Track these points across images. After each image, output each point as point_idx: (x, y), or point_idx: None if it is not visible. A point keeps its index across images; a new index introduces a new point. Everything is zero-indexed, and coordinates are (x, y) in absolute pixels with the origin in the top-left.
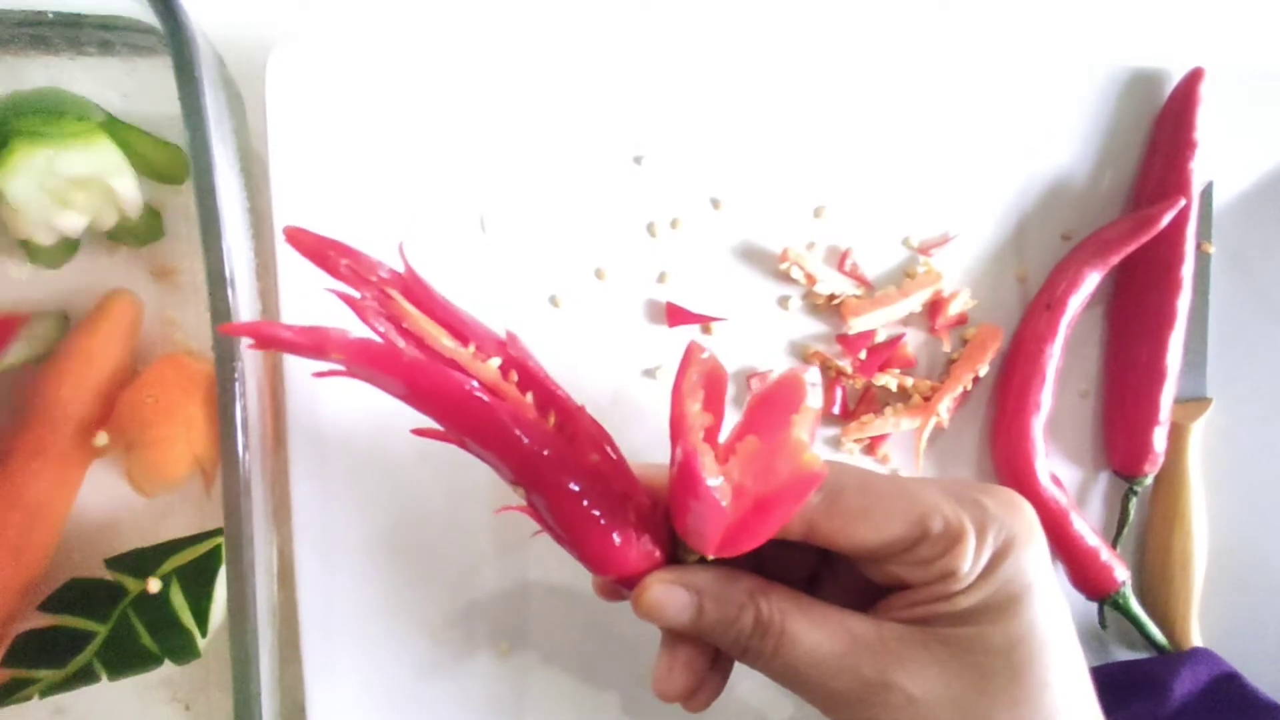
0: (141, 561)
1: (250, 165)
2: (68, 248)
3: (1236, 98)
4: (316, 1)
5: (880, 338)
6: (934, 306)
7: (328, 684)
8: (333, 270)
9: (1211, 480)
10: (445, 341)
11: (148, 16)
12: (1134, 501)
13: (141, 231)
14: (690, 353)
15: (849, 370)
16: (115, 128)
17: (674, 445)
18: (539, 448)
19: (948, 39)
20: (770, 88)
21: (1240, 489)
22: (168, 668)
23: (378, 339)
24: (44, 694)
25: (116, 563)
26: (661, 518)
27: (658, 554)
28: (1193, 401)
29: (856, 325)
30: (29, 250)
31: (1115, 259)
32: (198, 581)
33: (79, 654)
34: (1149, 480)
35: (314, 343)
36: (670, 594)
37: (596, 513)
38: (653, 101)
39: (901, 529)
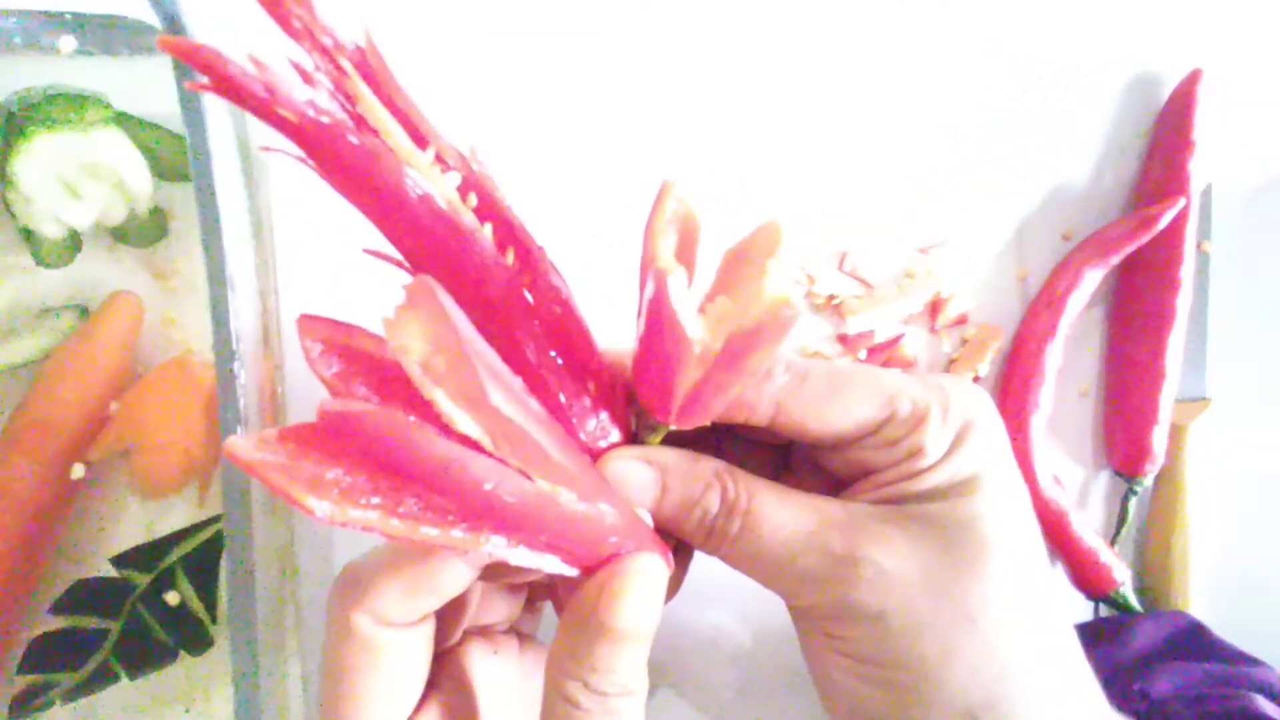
0: (146, 556)
1: (250, 165)
2: (72, 246)
3: (1236, 98)
4: (316, 2)
5: (880, 338)
6: (934, 306)
7: None
8: (283, 19)
9: (1211, 480)
10: (401, 141)
11: (148, 16)
12: (1134, 501)
13: (147, 230)
14: (665, 190)
15: None
16: (127, 121)
17: (642, 287)
18: (497, 286)
19: (948, 39)
20: (770, 88)
21: (1240, 489)
22: (169, 668)
23: (335, 109)
24: (66, 699)
25: (122, 559)
26: (622, 397)
27: (616, 434)
28: (1193, 401)
29: (856, 325)
30: (34, 248)
31: (1115, 259)
32: (203, 569)
33: (95, 654)
34: (1149, 480)
35: (265, 88)
36: (632, 469)
37: (552, 380)
38: (652, 101)
39: (871, 409)
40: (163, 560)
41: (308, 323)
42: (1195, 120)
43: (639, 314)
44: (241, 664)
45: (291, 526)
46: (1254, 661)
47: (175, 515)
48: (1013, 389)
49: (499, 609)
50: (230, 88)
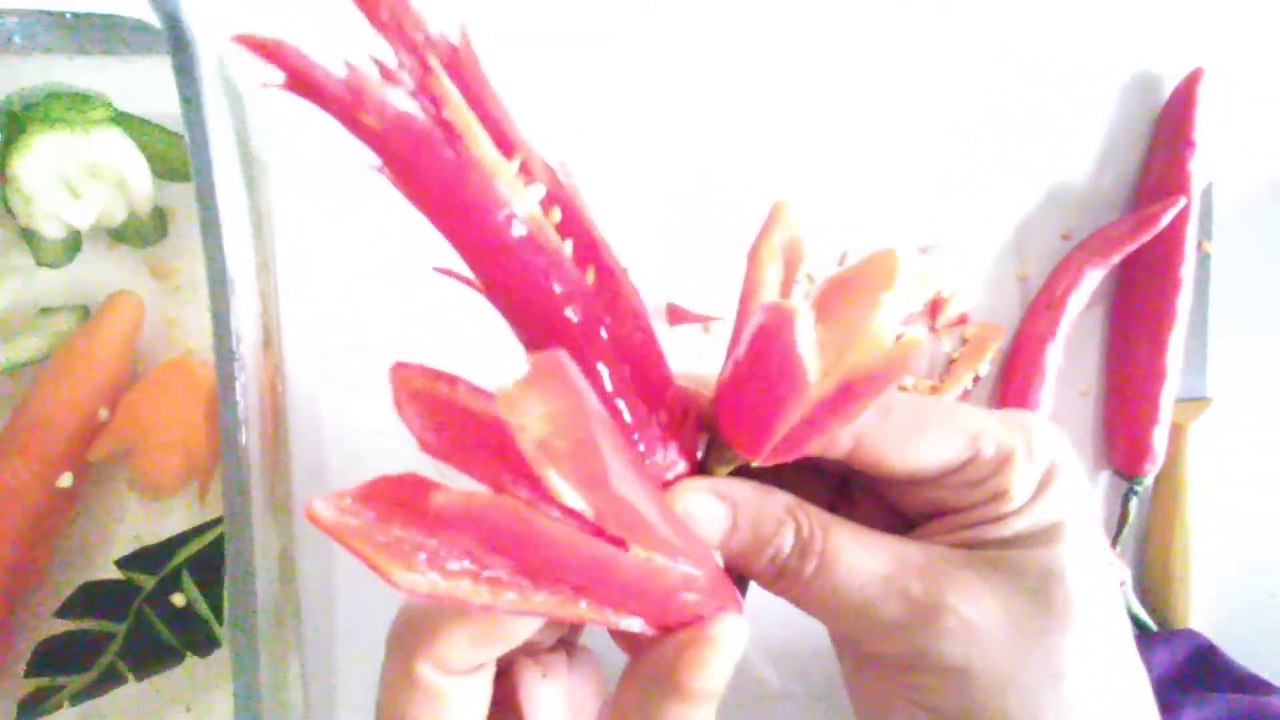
0: (151, 558)
1: (250, 165)
2: (72, 246)
3: (1236, 98)
4: (317, 1)
5: None
6: (934, 306)
7: (328, 685)
8: (371, 10)
9: (1211, 480)
10: (487, 149)
11: (148, 16)
12: (1134, 501)
13: (147, 230)
14: (776, 214)
15: None
16: (127, 121)
17: (742, 317)
18: (575, 308)
19: (948, 39)
20: (771, 88)
21: (1240, 489)
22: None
23: (421, 116)
24: (73, 701)
25: (127, 562)
26: (692, 427)
27: (683, 465)
28: (1193, 401)
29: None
30: (34, 248)
31: (1116, 258)
32: (208, 571)
33: (102, 657)
34: (1149, 480)
35: (351, 91)
36: (704, 504)
37: (624, 408)
38: (653, 101)
39: (955, 449)
40: (168, 562)
41: (402, 370)
42: (1195, 120)
43: (734, 344)
44: (242, 664)
45: (292, 527)
46: (1271, 688)
47: (175, 515)
48: (1013, 389)
49: (548, 630)
50: (309, 87)
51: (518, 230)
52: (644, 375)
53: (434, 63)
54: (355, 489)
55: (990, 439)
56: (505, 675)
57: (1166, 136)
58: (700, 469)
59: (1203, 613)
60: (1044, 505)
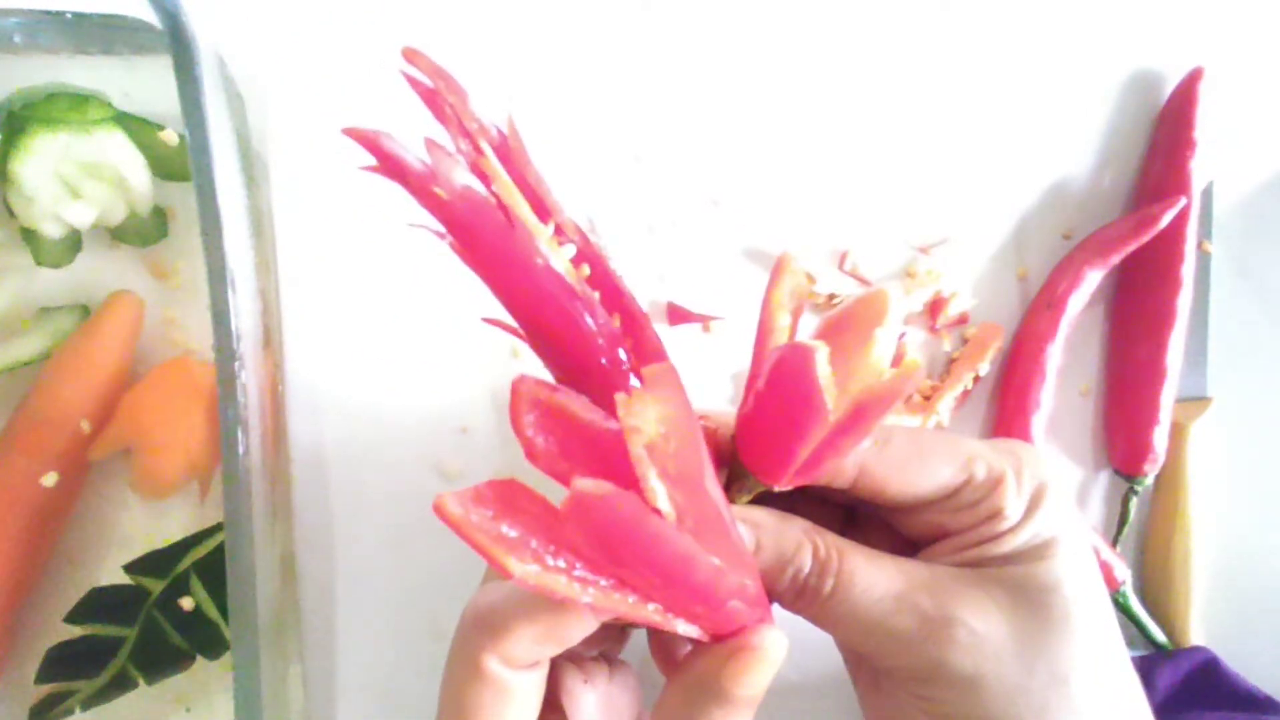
0: (159, 562)
1: (250, 165)
2: (72, 245)
3: (1237, 96)
4: (316, 1)
5: None
6: (934, 306)
7: (329, 685)
8: (438, 108)
9: (1211, 480)
10: (527, 216)
11: (148, 16)
12: (1134, 501)
13: (147, 230)
14: (783, 264)
15: None
16: (127, 121)
17: (759, 356)
18: (606, 349)
19: (948, 39)
20: (770, 87)
21: (1240, 489)
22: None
23: (482, 190)
24: (85, 706)
25: (135, 566)
26: (713, 461)
27: None
28: (1193, 401)
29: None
30: (34, 248)
31: (1116, 258)
32: (216, 574)
33: (112, 662)
34: (1149, 480)
35: (427, 169)
36: None
37: None
38: (652, 101)
39: (950, 473)
40: (176, 566)
41: (524, 381)
42: (1196, 119)
43: (753, 380)
44: (242, 663)
45: (292, 528)
46: (1273, 705)
47: (176, 515)
48: (1013, 389)
49: (594, 638)
50: (395, 168)
51: (554, 282)
52: None
53: (485, 147)
54: (470, 489)
55: (982, 463)
56: (550, 678)
57: (1166, 136)
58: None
59: (1203, 613)
60: (1037, 522)
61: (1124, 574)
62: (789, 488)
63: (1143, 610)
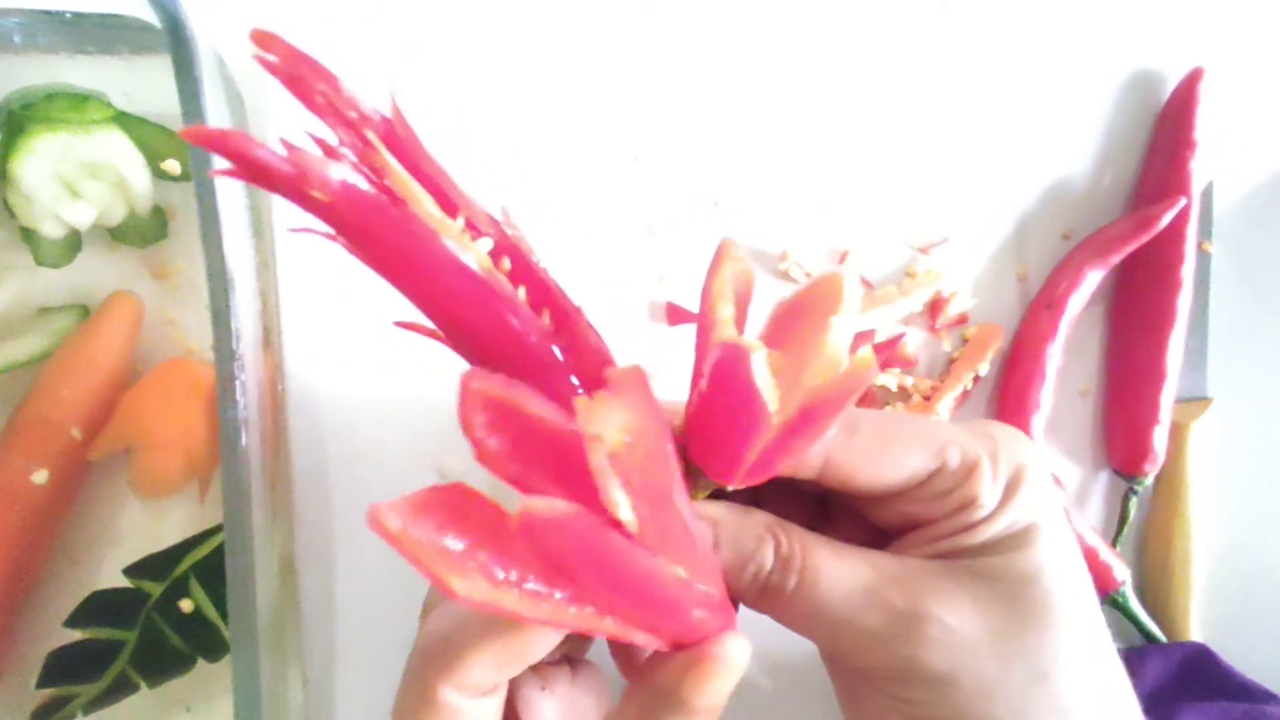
0: (159, 565)
1: None
2: (72, 245)
3: (1237, 97)
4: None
5: (880, 337)
6: (934, 306)
7: (328, 686)
8: (306, 96)
9: (1211, 480)
10: (431, 210)
11: (148, 16)
12: (1134, 501)
13: (147, 230)
14: (724, 250)
15: None
16: (127, 121)
17: (702, 351)
18: (538, 349)
19: (948, 39)
20: (770, 87)
21: (1240, 489)
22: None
23: (366, 186)
24: (86, 710)
25: (135, 569)
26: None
27: None
28: (1193, 401)
29: (856, 324)
30: (34, 248)
31: (1116, 258)
32: (216, 576)
33: (113, 665)
34: (1149, 480)
35: (296, 170)
36: None
37: None
38: (652, 101)
39: (921, 460)
40: (175, 568)
41: (475, 377)
42: (1196, 119)
43: (697, 377)
44: (242, 663)
45: (292, 528)
46: (1266, 696)
47: (175, 515)
48: (1013, 389)
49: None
50: (257, 171)
51: (470, 281)
52: None
53: (372, 137)
54: (411, 498)
55: (955, 449)
56: (508, 687)
57: (1166, 136)
58: None
59: (1203, 613)
60: (1014, 510)
61: (1124, 574)
62: (744, 486)
63: (1142, 610)
